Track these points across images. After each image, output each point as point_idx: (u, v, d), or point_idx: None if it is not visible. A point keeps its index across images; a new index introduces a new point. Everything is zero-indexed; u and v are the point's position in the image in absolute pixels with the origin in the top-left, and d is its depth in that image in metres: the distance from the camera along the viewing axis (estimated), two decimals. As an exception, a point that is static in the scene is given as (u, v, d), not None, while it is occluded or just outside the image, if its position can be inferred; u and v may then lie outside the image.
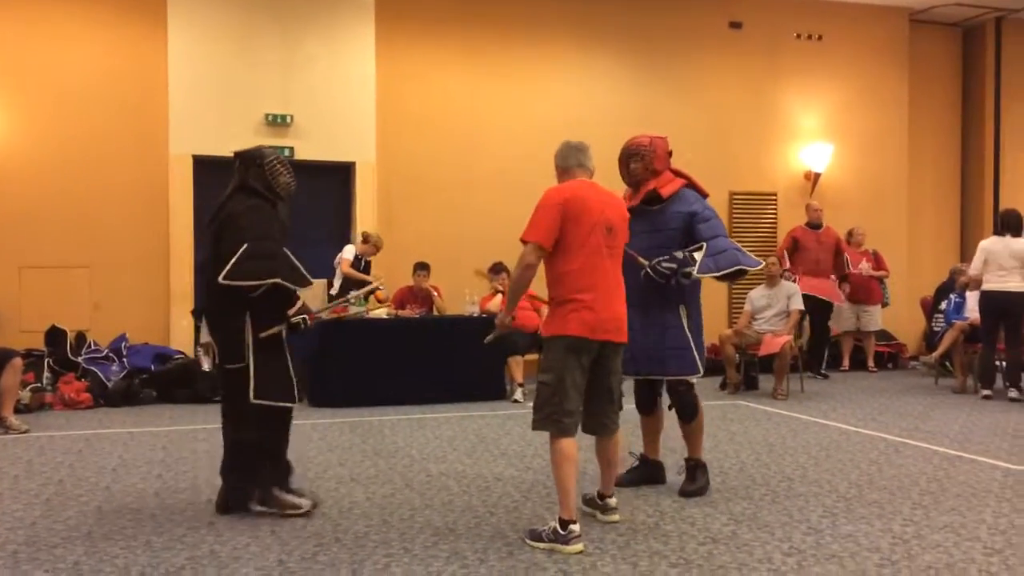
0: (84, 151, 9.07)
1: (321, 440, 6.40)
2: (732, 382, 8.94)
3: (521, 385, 8.36)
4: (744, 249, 4.87)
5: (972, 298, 9.03)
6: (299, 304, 4.40)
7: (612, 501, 4.35)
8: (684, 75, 10.99)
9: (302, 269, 4.44)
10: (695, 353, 4.72)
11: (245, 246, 4.18)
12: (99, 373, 8.16)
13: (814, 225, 10.18)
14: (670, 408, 4.91)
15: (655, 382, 4.95)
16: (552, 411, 3.94)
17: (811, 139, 11.46)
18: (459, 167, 10.12)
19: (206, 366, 8.21)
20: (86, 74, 9.11)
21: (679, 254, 4.64)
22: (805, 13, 11.46)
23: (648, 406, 5.03)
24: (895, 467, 5.48)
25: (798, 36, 11.45)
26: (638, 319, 4.65)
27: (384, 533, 4.11)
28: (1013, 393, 8.22)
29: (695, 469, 4.89)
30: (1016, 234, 8.29)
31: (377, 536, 4.06)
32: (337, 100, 9.56)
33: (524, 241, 4.00)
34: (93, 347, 8.58)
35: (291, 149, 9.42)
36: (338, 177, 9.88)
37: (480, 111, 10.27)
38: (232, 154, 4.60)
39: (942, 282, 10.49)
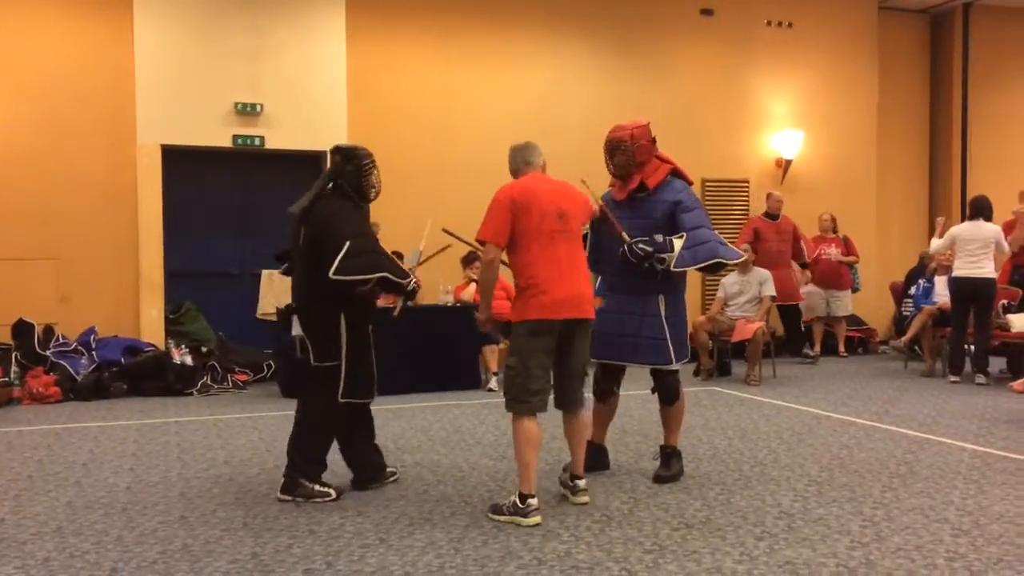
0: (49, 141, 8.90)
1: (295, 431, 6.36)
2: (705, 368, 9.01)
3: (496, 374, 8.36)
4: (726, 241, 4.89)
5: (941, 283, 9.16)
6: (411, 284, 4.66)
7: (581, 483, 4.45)
8: (656, 62, 11.00)
9: (398, 262, 4.67)
10: (670, 344, 4.73)
11: (348, 244, 4.32)
12: (68, 367, 8.05)
13: (772, 216, 10.15)
14: (653, 392, 4.95)
15: (617, 371, 4.98)
16: (518, 392, 4.15)
17: (782, 126, 11.52)
18: (432, 155, 10.07)
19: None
20: (51, 62, 8.93)
21: (659, 238, 4.66)
22: (776, 0, 11.50)
23: (605, 394, 5.05)
24: (866, 450, 5.55)
25: (769, 23, 11.49)
26: (616, 305, 4.75)
27: (359, 524, 4.10)
28: (980, 379, 8.35)
29: (670, 456, 4.93)
30: (987, 219, 8.40)
31: (352, 527, 4.05)
32: (308, 88, 9.46)
33: (480, 240, 4.26)
34: (61, 340, 8.46)
35: (261, 138, 9.33)
36: (310, 166, 9.76)
37: (453, 98, 10.22)
38: (331, 149, 4.71)
39: (912, 267, 10.63)
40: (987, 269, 8.27)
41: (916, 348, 9.57)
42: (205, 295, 9.35)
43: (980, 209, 8.44)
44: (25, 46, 8.87)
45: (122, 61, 9.00)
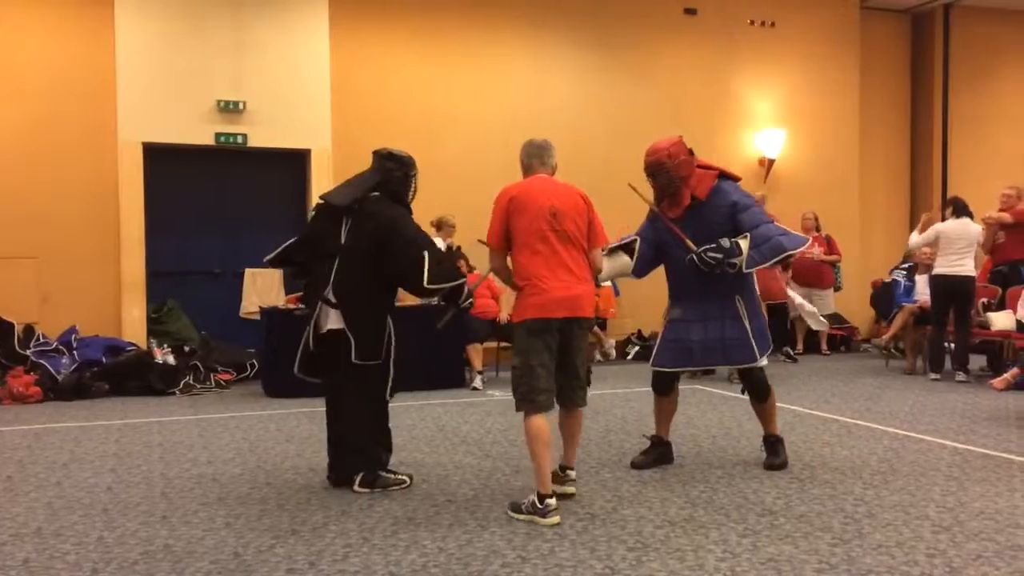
0: (30, 139, 8.82)
1: (278, 430, 6.34)
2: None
3: (480, 372, 8.37)
4: (788, 230, 4.99)
5: (921, 281, 9.23)
6: (466, 291, 4.72)
7: (572, 473, 4.53)
8: (639, 61, 11.03)
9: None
10: (753, 342, 4.87)
11: (426, 254, 4.48)
12: (48, 366, 7.98)
13: None
14: (743, 392, 5.16)
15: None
16: (525, 392, 4.21)
17: (765, 125, 11.58)
18: (417, 154, 9.89)
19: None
20: (31, 59, 8.85)
21: (725, 242, 4.76)
22: (759, 0, 11.55)
23: (666, 390, 5.16)
24: (847, 448, 5.59)
25: (752, 22, 11.54)
26: (696, 311, 4.89)
27: (343, 523, 4.09)
28: (960, 376, 8.42)
29: (775, 444, 5.13)
30: (970, 216, 8.47)
31: (335, 527, 4.04)
32: (291, 86, 9.42)
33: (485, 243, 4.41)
34: (42, 340, 8.39)
35: (244, 136, 9.29)
36: (293, 165, 9.75)
37: (437, 97, 10.20)
38: (382, 153, 4.81)
39: (896, 264, 10.69)
40: (968, 267, 8.34)
41: (895, 349, 9.64)
42: (188, 294, 9.30)
43: (963, 208, 8.52)
44: (4, 44, 8.79)
45: (103, 58, 8.93)
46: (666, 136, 5.04)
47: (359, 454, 4.64)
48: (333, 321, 4.56)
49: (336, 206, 4.63)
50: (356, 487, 4.60)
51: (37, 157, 8.83)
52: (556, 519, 4.05)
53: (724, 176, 5.00)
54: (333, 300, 4.56)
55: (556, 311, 4.20)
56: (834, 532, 3.90)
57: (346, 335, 4.51)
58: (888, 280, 10.26)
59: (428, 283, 4.45)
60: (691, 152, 4.94)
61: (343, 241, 4.57)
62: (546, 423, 4.22)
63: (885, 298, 10.17)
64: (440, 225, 8.98)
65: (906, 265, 9.94)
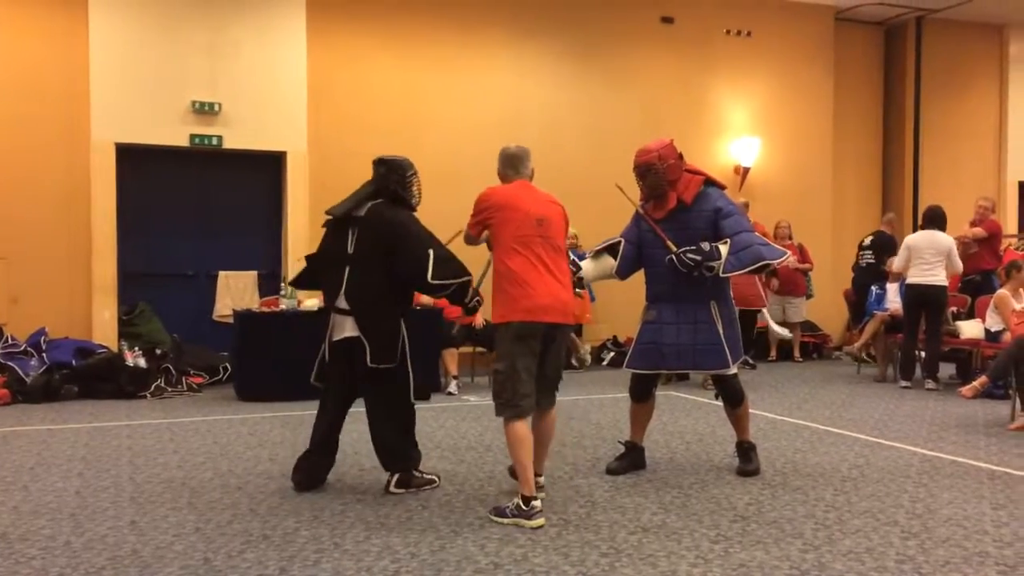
0: (0, 138, 8.70)
1: (251, 435, 6.29)
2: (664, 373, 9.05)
3: (456, 377, 8.35)
4: (768, 241, 5.06)
5: (892, 290, 9.33)
6: (472, 290, 4.72)
7: (540, 480, 4.52)
8: (616, 68, 11.08)
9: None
10: (726, 348, 4.89)
11: (431, 252, 4.50)
12: (17, 368, 7.85)
13: None
14: (717, 397, 5.22)
15: (655, 374, 5.15)
16: (509, 397, 4.23)
17: (740, 133, 11.67)
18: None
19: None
20: (2, 58, 8.74)
21: (705, 246, 4.81)
22: (735, 9, 11.64)
23: (643, 396, 5.18)
24: (819, 454, 5.63)
25: (728, 32, 11.63)
26: (671, 314, 4.94)
27: (315, 529, 4.06)
28: (930, 384, 8.50)
29: (748, 450, 5.16)
30: (940, 228, 8.57)
31: (307, 532, 4.01)
32: (267, 88, 9.36)
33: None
34: (11, 341, 8.26)
35: (219, 138, 9.22)
36: (268, 167, 9.69)
37: (415, 101, 10.18)
38: (375, 161, 4.85)
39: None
40: (939, 277, 8.44)
41: (867, 355, 9.72)
42: (160, 296, 9.21)
43: (932, 219, 8.62)
44: (-25, 40, 8.67)
45: (76, 57, 8.83)
46: (654, 139, 5.07)
47: (396, 456, 4.72)
48: (348, 329, 4.61)
49: (339, 218, 4.73)
50: (392, 488, 4.67)
51: (7, 157, 8.71)
52: (542, 521, 4.09)
53: (710, 182, 5.06)
54: (346, 307, 4.61)
55: (543, 316, 4.26)
56: (805, 538, 3.93)
57: (361, 341, 4.56)
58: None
59: (432, 279, 4.48)
60: (680, 156, 4.99)
61: (350, 250, 4.64)
62: (528, 427, 4.27)
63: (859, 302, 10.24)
64: None
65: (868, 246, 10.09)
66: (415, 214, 4.80)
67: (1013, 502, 4.52)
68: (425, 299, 8.71)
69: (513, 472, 4.64)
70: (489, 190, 4.47)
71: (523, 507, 4.11)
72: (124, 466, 5.30)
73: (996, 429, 6.50)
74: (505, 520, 4.13)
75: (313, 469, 4.77)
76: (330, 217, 4.79)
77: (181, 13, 9.09)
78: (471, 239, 4.55)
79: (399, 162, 4.80)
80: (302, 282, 5.20)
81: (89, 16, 8.81)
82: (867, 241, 10.40)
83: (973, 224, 9.45)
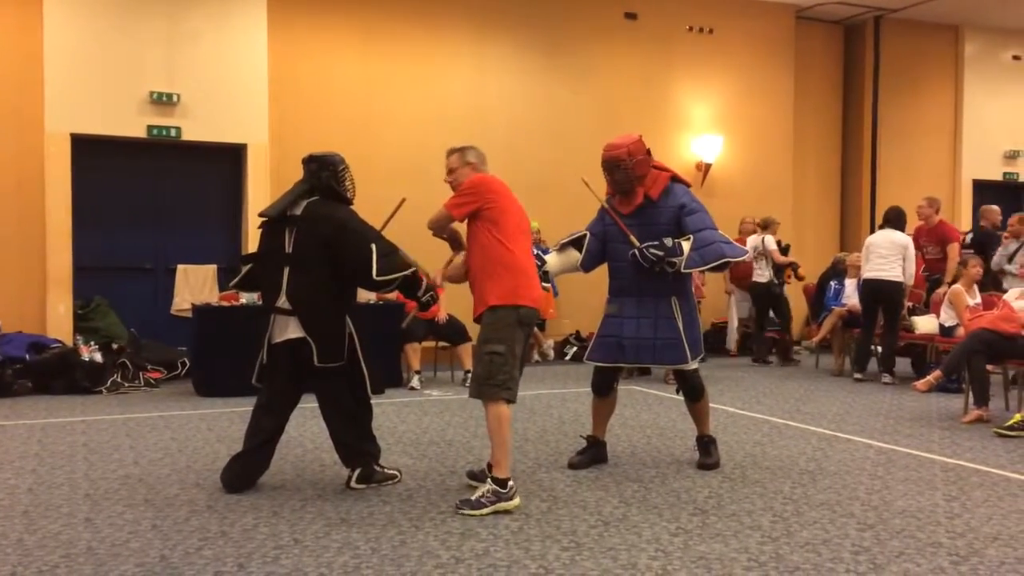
0: (-50, 127, 8.50)
1: (209, 431, 6.21)
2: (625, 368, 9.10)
3: (418, 372, 8.31)
4: (730, 239, 5.08)
5: (850, 285, 9.48)
6: (424, 284, 4.67)
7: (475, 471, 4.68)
8: (579, 63, 11.10)
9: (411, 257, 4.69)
10: (685, 343, 4.93)
11: (374, 246, 4.45)
12: (-32, 363, 7.69)
13: None
14: (678, 392, 5.29)
15: (616, 368, 5.18)
16: (504, 380, 4.26)
17: (702, 130, 11.75)
18: (356, 150, 9.85)
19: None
20: (-49, 45, 8.53)
21: (668, 241, 4.84)
22: (697, 6, 11.72)
23: (605, 391, 5.22)
24: (777, 448, 5.70)
25: (690, 29, 11.70)
26: (632, 308, 4.97)
27: (274, 525, 4.02)
28: (886, 379, 8.66)
29: (708, 444, 5.20)
30: (897, 227, 8.74)
31: (267, 528, 3.97)
32: (227, 78, 9.23)
33: (444, 211, 4.41)
34: (-39, 336, 8.08)
35: (178, 129, 9.08)
36: (228, 159, 9.57)
37: (377, 94, 10.11)
38: (304, 159, 4.73)
39: (825, 270, 10.93)
40: (895, 272, 8.59)
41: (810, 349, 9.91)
42: (117, 290, 9.06)
43: (890, 219, 8.81)
44: (-76, 26, 8.44)
45: (30, 45, 8.64)
46: (622, 134, 5.08)
47: (354, 452, 4.68)
48: (292, 330, 4.51)
49: (274, 218, 4.62)
50: (353, 483, 4.62)
51: (-43, 146, 8.50)
52: (518, 500, 4.26)
53: (676, 179, 5.10)
54: (288, 308, 4.52)
55: (539, 306, 4.51)
56: (763, 530, 3.97)
57: (307, 342, 4.48)
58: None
59: (377, 275, 4.46)
60: (648, 152, 5.02)
61: (289, 250, 4.55)
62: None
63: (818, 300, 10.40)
64: None
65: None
66: (352, 207, 4.72)
67: (965, 493, 4.62)
68: (389, 296, 8.69)
69: (473, 475, 4.68)
70: (487, 176, 4.47)
71: (501, 490, 4.19)
72: (79, 462, 5.20)
73: (949, 423, 6.64)
74: (485, 511, 4.13)
75: (247, 470, 4.62)
76: (265, 218, 4.68)
77: (139, 1, 8.92)
78: (446, 220, 4.43)
79: (329, 157, 4.70)
80: (245, 284, 5.00)
81: (44, 3, 8.61)
82: None
83: (919, 230, 9.56)
